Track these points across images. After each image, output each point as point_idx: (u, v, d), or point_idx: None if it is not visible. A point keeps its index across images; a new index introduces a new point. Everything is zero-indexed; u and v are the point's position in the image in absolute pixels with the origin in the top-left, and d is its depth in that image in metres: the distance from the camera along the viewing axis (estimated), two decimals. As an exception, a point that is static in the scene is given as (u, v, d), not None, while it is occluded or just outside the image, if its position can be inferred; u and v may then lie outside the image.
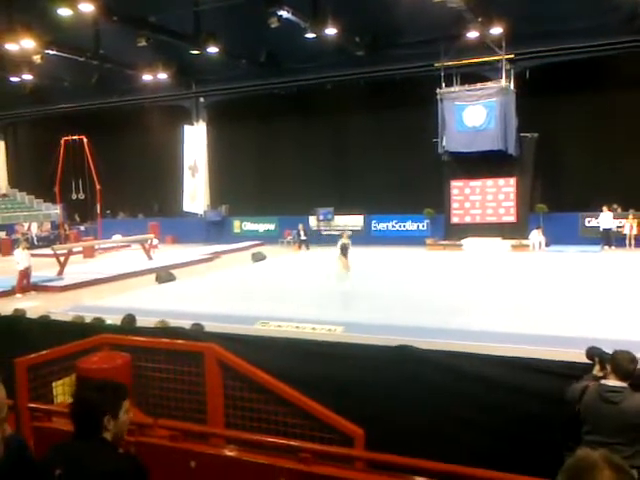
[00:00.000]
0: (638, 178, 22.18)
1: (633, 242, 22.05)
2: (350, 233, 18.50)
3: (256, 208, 29.17)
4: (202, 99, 30.18)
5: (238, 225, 30.16)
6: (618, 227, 22.41)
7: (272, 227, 29.29)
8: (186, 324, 7.51)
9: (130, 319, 7.73)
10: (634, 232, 22.10)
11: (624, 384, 3.86)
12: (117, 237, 27.34)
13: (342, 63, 25.00)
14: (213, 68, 26.74)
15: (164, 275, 17.84)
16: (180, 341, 4.77)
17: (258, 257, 22.09)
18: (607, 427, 3.82)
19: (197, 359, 4.44)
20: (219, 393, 4.30)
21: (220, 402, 4.31)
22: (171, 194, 31.16)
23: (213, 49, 22.73)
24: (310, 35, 21.16)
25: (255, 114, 28.77)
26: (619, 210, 22.68)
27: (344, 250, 16.36)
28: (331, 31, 20.85)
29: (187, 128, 30.39)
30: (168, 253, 24.88)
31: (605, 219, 22.37)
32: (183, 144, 30.49)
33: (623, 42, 21.12)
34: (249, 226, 29.97)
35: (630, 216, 22.17)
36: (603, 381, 3.93)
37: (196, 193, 30.51)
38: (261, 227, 29.72)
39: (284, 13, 19.09)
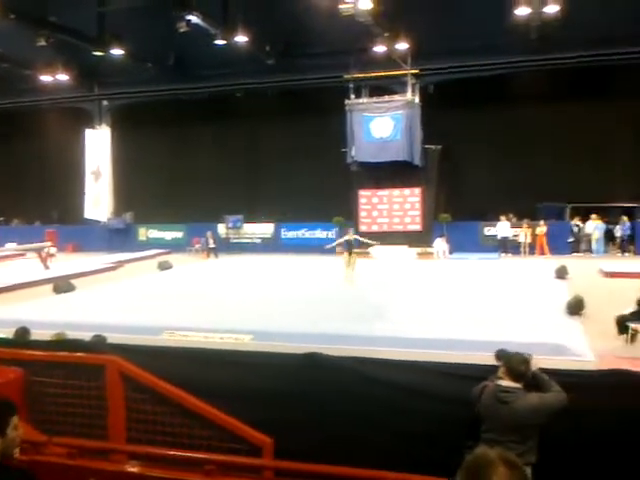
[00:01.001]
0: (532, 189, 23.66)
1: (527, 250, 23.41)
2: (353, 229, 18.27)
3: (163, 215, 28.40)
4: (105, 102, 29.12)
5: (144, 233, 29.26)
6: (514, 236, 23.71)
7: (180, 235, 28.64)
8: (87, 336, 7.17)
9: (23, 332, 7.28)
10: (528, 240, 23.47)
11: (517, 385, 4.04)
12: (11, 245, 25.71)
13: (253, 71, 24.96)
14: (118, 71, 25.88)
15: (62, 285, 16.93)
16: (79, 354, 4.53)
17: (164, 266, 21.50)
18: (501, 426, 3.99)
19: (98, 372, 4.24)
20: (121, 407, 4.11)
21: (122, 416, 4.13)
22: (72, 200, 29.75)
23: (117, 51, 22.04)
24: (220, 42, 20.96)
25: (163, 119, 28.11)
26: (514, 220, 24.01)
27: (349, 246, 16.48)
28: (241, 39, 20.78)
29: (89, 132, 29.21)
30: (67, 262, 23.69)
31: (502, 228, 23.62)
32: (85, 148, 29.26)
33: (520, 61, 22.47)
34: (155, 234, 29.15)
35: (524, 225, 23.53)
36: (499, 382, 4.11)
37: (99, 199, 29.34)
38: (168, 235, 28.98)
39: (193, 18, 18.80)
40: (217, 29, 20.22)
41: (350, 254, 16.62)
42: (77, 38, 21.82)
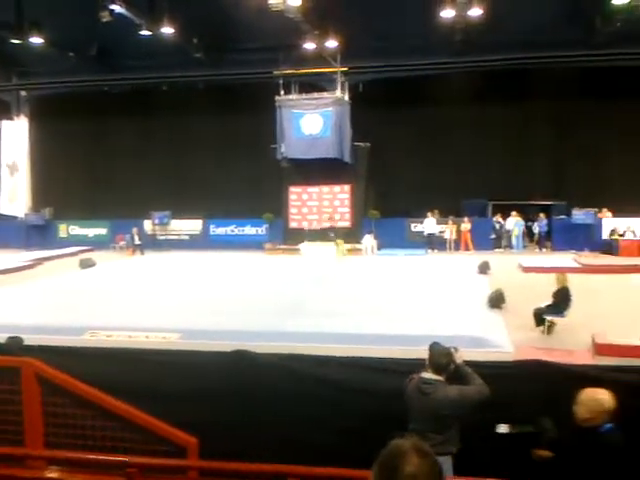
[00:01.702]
0: (457, 187, 24.42)
1: (452, 246, 24.12)
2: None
3: (85, 211, 27.42)
4: (24, 92, 27.76)
5: (64, 229, 28.09)
6: (440, 232, 24.35)
7: (103, 231, 27.69)
8: (1, 338, 6.84)
9: None
10: (453, 237, 24.18)
11: (439, 377, 4.16)
12: None
13: (180, 64, 24.42)
14: (37, 60, 24.73)
15: (-23, 284, 16.09)
16: (-8, 356, 4.32)
17: (87, 263, 20.75)
18: (421, 416, 4.11)
19: (13, 375, 4.04)
20: (38, 411, 3.94)
21: (39, 420, 3.96)
22: (-14, 195, 28.22)
23: (37, 40, 21.03)
24: (145, 32, 20.38)
25: (86, 111, 27.05)
26: (438, 216, 24.54)
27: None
28: (167, 30, 20.28)
29: (5, 123, 27.75)
30: (-18, 260, 22.47)
31: (429, 224, 24.21)
32: (0, 140, 27.81)
33: (445, 62, 23.06)
34: (77, 230, 28.05)
35: (450, 222, 24.21)
36: (422, 374, 4.22)
37: (15, 194, 27.96)
38: (91, 231, 27.95)
39: (117, 8, 18.17)
40: (142, 19, 19.64)
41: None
42: (-8, 25, 20.68)
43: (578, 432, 3.56)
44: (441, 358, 4.18)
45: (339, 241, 16.64)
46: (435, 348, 4.26)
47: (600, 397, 3.59)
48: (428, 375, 4.17)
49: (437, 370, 4.16)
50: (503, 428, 3.99)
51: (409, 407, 4.21)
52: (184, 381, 4.89)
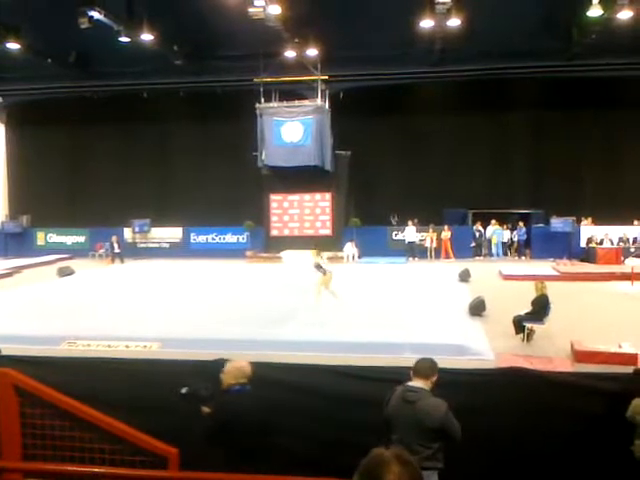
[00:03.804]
0: (437, 195, 24.58)
1: (433, 254, 24.23)
2: (317, 250, 16.14)
3: (64, 219, 27.11)
4: (0, 99, 27.42)
5: (42, 237, 27.74)
6: (421, 240, 24.48)
7: (82, 239, 27.39)
8: (-23, 347, 6.71)
9: None
10: (434, 245, 24.30)
11: (424, 386, 4.14)
12: None
13: (161, 71, 24.32)
14: (14, 65, 24.44)
15: (-48, 293, 15.79)
16: (-33, 367, 4.22)
17: (65, 272, 20.49)
18: (405, 426, 4.05)
19: (-11, 386, 3.96)
20: (15, 422, 3.86)
21: (17, 432, 3.88)
22: (-38, 202, 27.79)
23: (14, 45, 20.81)
24: (124, 39, 20.26)
25: (65, 118, 26.79)
26: (417, 225, 24.64)
27: (319, 268, 14.81)
28: (147, 37, 20.18)
29: (-18, 130, 27.43)
30: (-43, 268, 22.08)
31: (409, 233, 24.32)
32: (-23, 147, 27.45)
33: (424, 72, 23.25)
34: (55, 238, 27.71)
35: (430, 230, 24.34)
36: (408, 383, 4.20)
37: (-8, 201, 27.58)
38: (69, 239, 27.63)
39: (96, 14, 18.05)
40: (121, 26, 19.51)
41: (324, 274, 14.67)
42: (-32, 29, 20.39)
43: (223, 392, 4.25)
44: (426, 369, 4.18)
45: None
46: (422, 360, 4.26)
47: (241, 366, 4.30)
48: (413, 383, 4.16)
49: (422, 380, 4.15)
50: (184, 389, 4.41)
51: (393, 417, 4.18)
52: (165, 391, 4.84)
